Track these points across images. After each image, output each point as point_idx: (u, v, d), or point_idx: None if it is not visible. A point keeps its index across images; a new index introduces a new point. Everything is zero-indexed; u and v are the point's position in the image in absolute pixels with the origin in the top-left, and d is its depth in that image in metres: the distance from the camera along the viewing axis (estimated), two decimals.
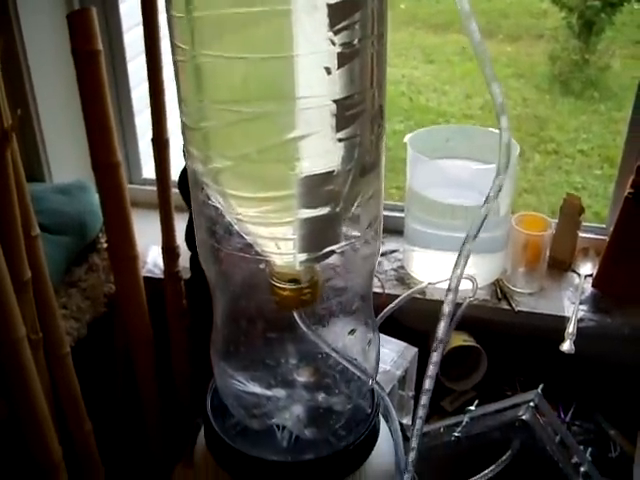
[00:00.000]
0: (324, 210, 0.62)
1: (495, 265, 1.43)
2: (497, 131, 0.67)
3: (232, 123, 0.60)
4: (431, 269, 1.41)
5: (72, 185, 1.44)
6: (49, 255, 1.21)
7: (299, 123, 0.58)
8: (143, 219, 1.51)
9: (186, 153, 0.68)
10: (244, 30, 0.56)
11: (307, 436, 0.78)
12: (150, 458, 1.55)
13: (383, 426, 0.85)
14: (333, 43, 0.55)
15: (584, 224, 1.46)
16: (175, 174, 1.36)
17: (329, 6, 0.54)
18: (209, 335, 0.81)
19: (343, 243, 0.66)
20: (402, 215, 1.47)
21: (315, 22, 0.55)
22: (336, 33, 0.55)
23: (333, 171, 0.60)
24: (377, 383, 0.82)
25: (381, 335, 0.86)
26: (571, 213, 1.42)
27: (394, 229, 1.53)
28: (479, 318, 1.36)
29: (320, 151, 0.60)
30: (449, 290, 0.70)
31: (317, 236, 0.63)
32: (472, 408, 1.18)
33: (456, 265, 0.70)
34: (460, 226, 1.28)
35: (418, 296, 1.36)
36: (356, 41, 0.57)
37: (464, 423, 1.15)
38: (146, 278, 1.42)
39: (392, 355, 1.22)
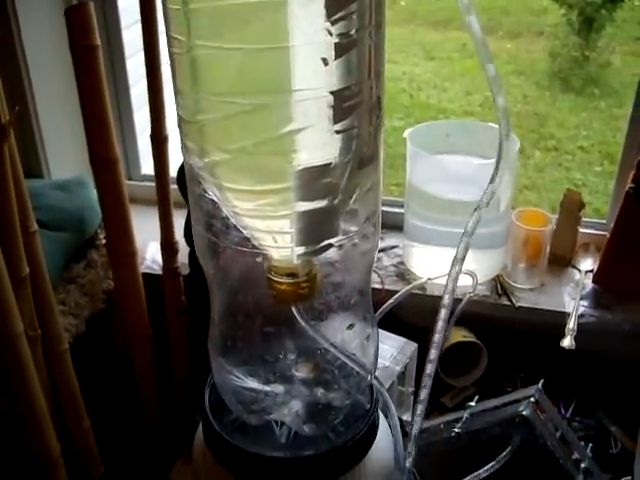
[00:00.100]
0: (322, 203, 0.61)
1: (495, 261, 1.42)
2: (497, 126, 0.67)
3: (229, 116, 0.60)
4: (431, 265, 1.41)
5: (70, 181, 1.44)
6: (47, 251, 1.21)
7: (296, 115, 0.58)
8: (142, 215, 1.50)
9: (183, 146, 0.67)
10: (240, 21, 0.55)
11: (306, 432, 0.78)
12: (149, 455, 1.54)
13: (382, 422, 0.85)
14: (330, 34, 0.55)
15: (584, 220, 1.46)
16: (174, 171, 1.36)
17: None
18: (208, 331, 0.80)
19: (341, 236, 0.66)
20: (402, 211, 1.47)
21: (312, 12, 0.54)
22: (333, 23, 0.55)
23: (330, 163, 0.60)
24: (376, 378, 0.81)
25: (381, 331, 0.85)
26: (571, 208, 1.41)
27: (394, 225, 1.52)
28: (479, 314, 1.36)
29: (317, 143, 0.59)
30: (448, 279, 0.69)
31: (315, 229, 0.63)
32: (472, 404, 1.18)
33: (456, 256, 0.69)
34: (460, 222, 1.26)
35: (418, 292, 1.36)
36: (353, 31, 0.56)
37: (464, 419, 1.14)
38: (145, 274, 1.42)
39: (392, 351, 1.21)
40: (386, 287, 1.38)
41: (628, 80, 3.56)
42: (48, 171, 1.48)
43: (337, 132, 0.59)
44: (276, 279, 0.68)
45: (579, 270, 1.43)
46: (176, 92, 0.65)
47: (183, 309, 1.45)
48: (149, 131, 1.32)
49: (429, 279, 1.31)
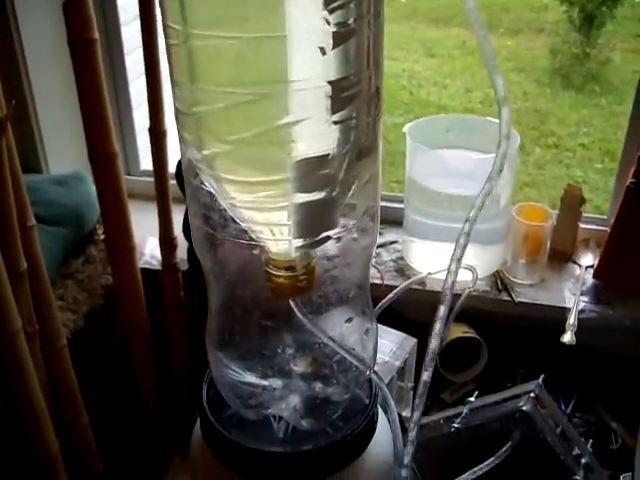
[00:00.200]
0: (320, 194, 0.61)
1: (495, 256, 1.42)
2: (497, 121, 0.66)
3: (226, 107, 0.59)
4: (431, 260, 1.40)
5: (69, 176, 1.43)
6: (46, 247, 1.21)
7: (293, 105, 0.57)
8: (141, 211, 1.50)
9: (180, 139, 0.67)
10: (236, 9, 0.54)
11: (304, 427, 0.77)
12: (148, 451, 1.54)
13: (382, 417, 0.84)
14: (328, 22, 0.54)
15: (585, 215, 1.46)
16: (173, 166, 1.35)
17: None
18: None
19: (339, 229, 0.65)
20: (401, 206, 1.46)
21: (309, 1, 0.54)
22: (331, 12, 0.54)
23: (328, 154, 0.59)
24: (375, 373, 0.81)
25: (380, 326, 0.85)
26: (572, 204, 1.41)
27: (393, 220, 1.52)
28: (479, 309, 1.36)
29: (315, 134, 0.59)
30: (448, 272, 0.69)
31: (313, 221, 0.62)
32: (472, 399, 1.17)
33: (455, 248, 0.69)
34: (460, 217, 1.26)
35: (418, 287, 1.35)
36: (351, 20, 0.56)
37: (464, 414, 1.14)
38: (143, 270, 1.42)
39: (391, 346, 1.21)
40: (385, 282, 1.38)
41: (629, 77, 3.56)
42: (47, 166, 1.48)
43: (335, 123, 0.58)
44: (274, 272, 0.68)
45: (579, 265, 1.43)
46: (173, 84, 0.64)
47: (182, 304, 1.45)
48: (148, 127, 1.31)
49: (429, 274, 1.30)
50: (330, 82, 0.56)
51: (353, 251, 0.73)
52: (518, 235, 1.38)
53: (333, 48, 0.55)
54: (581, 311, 1.32)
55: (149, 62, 1.26)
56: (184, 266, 1.42)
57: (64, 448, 1.21)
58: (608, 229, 1.37)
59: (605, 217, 1.52)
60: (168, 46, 0.62)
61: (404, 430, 0.84)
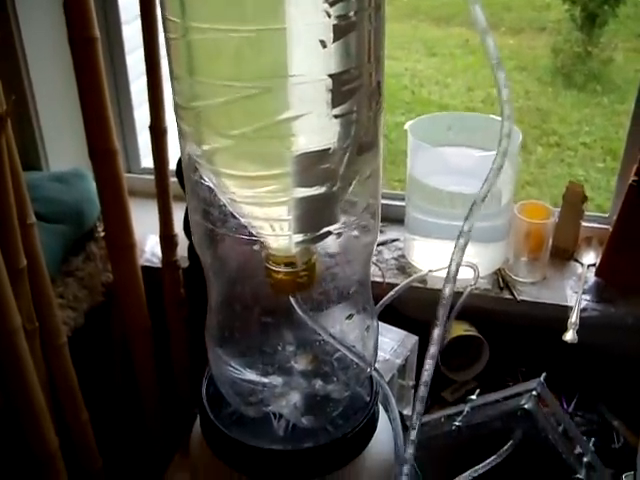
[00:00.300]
0: (320, 189, 0.60)
1: (497, 254, 1.41)
2: (498, 118, 0.66)
3: (225, 101, 0.59)
4: (432, 258, 1.40)
5: (69, 173, 1.43)
6: (46, 244, 1.20)
7: (294, 99, 0.57)
8: (142, 208, 1.50)
9: (179, 133, 0.67)
10: (236, 1, 0.54)
11: (304, 424, 0.77)
12: (148, 448, 1.54)
13: (382, 415, 0.84)
14: (328, 15, 0.54)
15: (587, 213, 1.45)
16: (173, 163, 1.35)
17: None
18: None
19: (340, 224, 0.65)
20: (403, 204, 1.46)
21: None
22: (331, 5, 0.53)
23: (329, 149, 0.59)
24: (376, 370, 0.80)
25: (381, 324, 0.84)
26: (574, 201, 1.41)
27: (395, 218, 1.52)
28: (481, 308, 1.35)
29: (316, 128, 0.58)
30: (449, 268, 0.68)
31: (313, 216, 0.62)
32: (473, 397, 1.17)
33: (456, 245, 0.68)
34: (461, 215, 1.26)
35: (419, 285, 1.35)
36: (352, 13, 0.55)
37: (465, 412, 1.14)
38: (144, 267, 1.42)
39: (392, 344, 1.20)
40: (387, 280, 1.37)
41: (630, 76, 3.56)
42: (47, 163, 1.48)
43: (336, 117, 0.58)
44: (274, 268, 0.67)
45: (581, 264, 1.43)
46: (173, 78, 0.64)
47: (182, 302, 1.45)
48: (149, 124, 1.31)
49: (430, 271, 1.30)
50: (331, 75, 0.56)
51: (354, 248, 0.73)
52: (520, 233, 1.38)
53: (334, 41, 0.55)
54: (583, 309, 1.32)
55: (150, 60, 1.26)
56: (184, 263, 1.42)
57: (64, 446, 1.21)
58: (610, 227, 1.37)
59: (607, 215, 1.52)
60: (167, 40, 0.62)
61: (405, 428, 0.83)
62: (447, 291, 0.71)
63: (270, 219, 0.64)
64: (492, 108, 3.28)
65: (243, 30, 0.54)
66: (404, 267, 1.44)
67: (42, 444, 1.16)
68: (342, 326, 0.75)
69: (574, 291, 1.36)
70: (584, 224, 1.45)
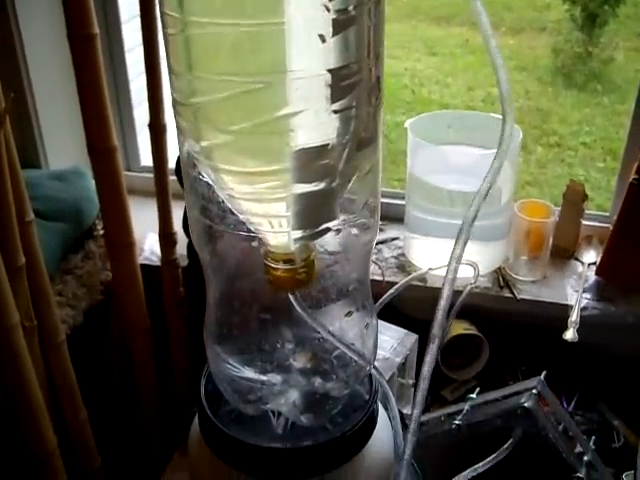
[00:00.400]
0: (319, 185, 0.60)
1: (497, 253, 1.41)
2: (499, 117, 0.66)
3: (224, 97, 0.58)
4: (432, 256, 1.40)
5: (68, 171, 1.43)
6: (44, 242, 1.20)
7: (293, 94, 0.56)
8: (141, 206, 1.50)
9: (178, 129, 0.66)
10: None
11: (303, 422, 0.76)
12: (147, 447, 1.54)
13: (382, 413, 0.83)
14: (327, 9, 0.53)
15: (587, 212, 1.45)
16: (173, 162, 1.35)
17: None
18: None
19: (339, 221, 0.64)
20: (403, 203, 1.46)
21: None
22: None
23: (328, 144, 0.58)
24: (375, 368, 0.80)
25: (381, 322, 0.84)
26: (574, 200, 1.41)
27: (395, 217, 1.52)
28: (481, 306, 1.35)
29: (314, 123, 0.58)
30: (449, 267, 0.68)
31: (312, 212, 0.61)
32: (473, 396, 1.16)
33: (457, 242, 0.68)
34: (461, 213, 1.26)
35: (419, 284, 1.35)
36: (352, 8, 0.55)
37: (465, 411, 1.13)
38: (143, 265, 1.41)
39: (392, 342, 1.20)
40: (386, 279, 1.37)
41: (631, 76, 3.55)
42: (46, 161, 1.48)
43: (335, 112, 0.58)
44: (273, 265, 0.67)
45: (582, 262, 1.43)
46: (171, 74, 0.63)
47: (182, 300, 1.44)
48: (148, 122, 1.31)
49: (430, 269, 1.29)
50: (330, 70, 0.56)
51: (353, 245, 0.72)
52: (520, 231, 1.38)
53: (333, 36, 0.54)
54: (583, 308, 1.32)
55: (150, 58, 1.26)
56: (184, 262, 1.42)
57: (62, 444, 1.21)
58: (610, 226, 1.36)
59: (607, 214, 1.51)
60: (166, 36, 0.61)
61: (405, 427, 0.83)
62: (447, 289, 0.71)
63: (269, 215, 0.63)
64: (492, 107, 3.28)
65: (242, 24, 0.54)
66: (404, 266, 1.43)
67: (40, 442, 1.16)
68: (341, 323, 0.75)
69: (574, 290, 1.36)
70: (584, 223, 1.45)
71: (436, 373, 0.77)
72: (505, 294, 1.36)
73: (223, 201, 0.65)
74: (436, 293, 0.71)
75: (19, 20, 1.34)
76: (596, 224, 1.49)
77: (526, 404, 1.07)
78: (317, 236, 0.63)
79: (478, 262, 1.15)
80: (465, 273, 1.06)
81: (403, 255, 1.46)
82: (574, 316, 1.29)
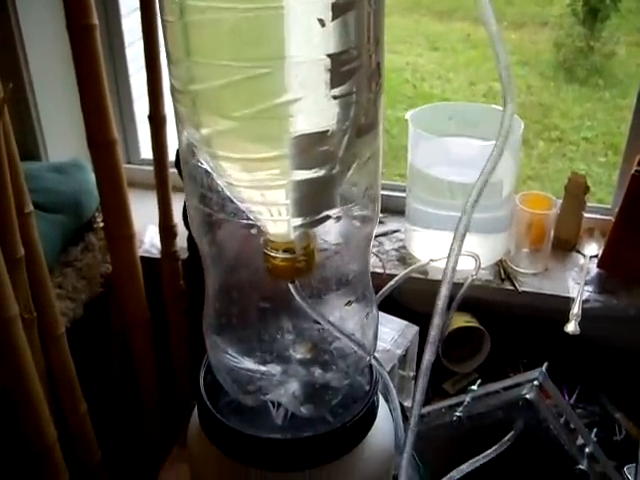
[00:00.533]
0: (319, 172, 0.59)
1: (498, 245, 1.41)
2: (500, 108, 0.65)
3: (223, 83, 0.58)
4: (432, 249, 1.39)
5: (68, 164, 1.43)
6: (44, 234, 1.20)
7: (292, 79, 0.56)
8: (141, 199, 1.50)
9: (176, 117, 0.66)
10: None
11: (303, 413, 0.76)
12: (147, 440, 1.53)
13: (382, 405, 0.83)
14: None
15: (589, 205, 1.44)
16: (172, 154, 1.34)
17: None
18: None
19: (339, 209, 0.64)
20: (404, 195, 1.45)
21: None
22: None
23: (328, 130, 0.58)
24: (375, 359, 0.80)
25: (381, 314, 0.84)
26: (576, 192, 1.40)
27: (395, 209, 1.51)
28: (482, 299, 1.35)
29: (314, 109, 0.57)
30: (449, 257, 0.67)
31: (312, 199, 0.61)
32: (474, 387, 1.16)
33: (456, 232, 0.67)
34: (462, 205, 1.25)
35: (419, 276, 1.34)
36: None
37: (466, 403, 1.13)
38: (143, 258, 1.41)
39: (392, 334, 1.19)
40: (387, 271, 1.37)
41: (633, 70, 3.55)
42: (45, 154, 1.47)
43: (335, 97, 0.57)
44: (272, 254, 0.66)
45: (584, 255, 1.42)
46: (170, 62, 0.63)
47: (182, 293, 1.44)
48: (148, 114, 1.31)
49: (431, 260, 1.29)
50: (329, 55, 0.55)
51: (353, 234, 0.72)
52: (522, 224, 1.37)
53: (332, 19, 0.54)
54: (585, 300, 1.31)
55: (149, 49, 1.25)
56: (184, 254, 1.41)
57: (62, 438, 1.20)
58: (612, 218, 1.36)
59: (609, 206, 1.51)
60: (164, 23, 0.61)
61: (405, 418, 0.83)
62: (447, 281, 0.70)
63: (268, 203, 0.63)
64: (494, 102, 3.26)
65: (241, 9, 0.53)
66: (405, 258, 1.43)
67: (40, 436, 1.16)
68: (341, 313, 0.74)
69: (576, 282, 1.36)
70: (586, 215, 1.44)
71: (437, 366, 0.77)
72: (506, 286, 1.35)
73: (222, 189, 0.65)
74: (437, 285, 0.71)
75: (18, 11, 1.33)
76: (598, 216, 1.49)
77: (527, 396, 1.07)
78: (317, 224, 0.63)
79: (479, 254, 1.14)
80: (466, 265, 1.05)
81: (404, 247, 1.46)
82: (576, 309, 1.29)
